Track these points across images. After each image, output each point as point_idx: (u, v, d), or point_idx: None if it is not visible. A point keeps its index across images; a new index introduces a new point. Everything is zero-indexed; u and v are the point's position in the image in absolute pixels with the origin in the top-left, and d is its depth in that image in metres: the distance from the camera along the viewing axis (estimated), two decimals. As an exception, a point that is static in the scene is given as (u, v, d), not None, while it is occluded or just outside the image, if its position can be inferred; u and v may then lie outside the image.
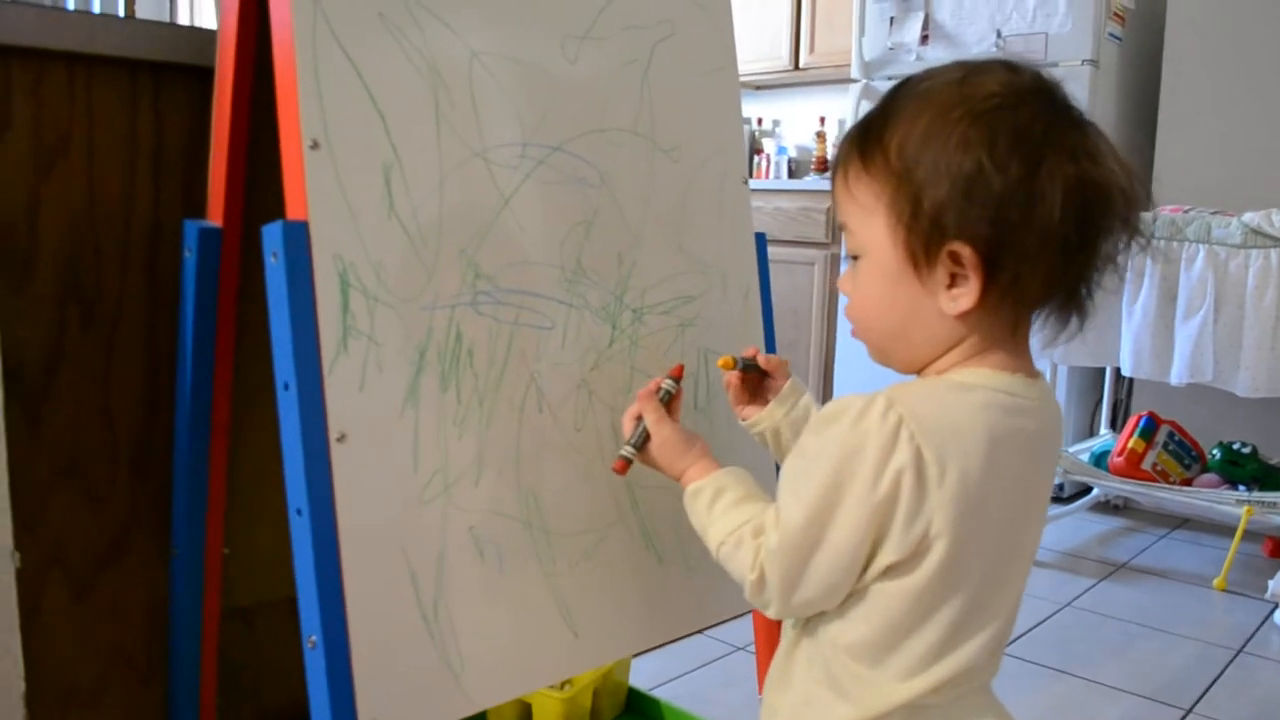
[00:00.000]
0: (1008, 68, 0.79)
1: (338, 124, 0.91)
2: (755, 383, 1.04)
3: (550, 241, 1.05)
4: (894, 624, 0.79)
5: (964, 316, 0.77)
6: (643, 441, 0.98)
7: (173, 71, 1.17)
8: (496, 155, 1.02)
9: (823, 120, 4.57)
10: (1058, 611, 2.46)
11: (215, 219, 1.08)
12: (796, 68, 4.39)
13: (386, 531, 0.92)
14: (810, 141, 4.71)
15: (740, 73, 3.85)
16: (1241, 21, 2.97)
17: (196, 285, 1.08)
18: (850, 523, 0.76)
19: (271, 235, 0.88)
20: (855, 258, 0.83)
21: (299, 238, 0.88)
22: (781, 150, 4.76)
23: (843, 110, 4.28)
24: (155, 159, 1.18)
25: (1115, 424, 3.25)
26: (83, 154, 1.13)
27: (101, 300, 1.15)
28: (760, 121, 4.96)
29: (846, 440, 0.75)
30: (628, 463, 0.98)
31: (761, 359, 1.04)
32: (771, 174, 4.72)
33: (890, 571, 0.77)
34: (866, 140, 0.80)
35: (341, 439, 0.89)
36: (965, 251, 0.74)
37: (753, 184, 4.25)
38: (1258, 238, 2.37)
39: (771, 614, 0.83)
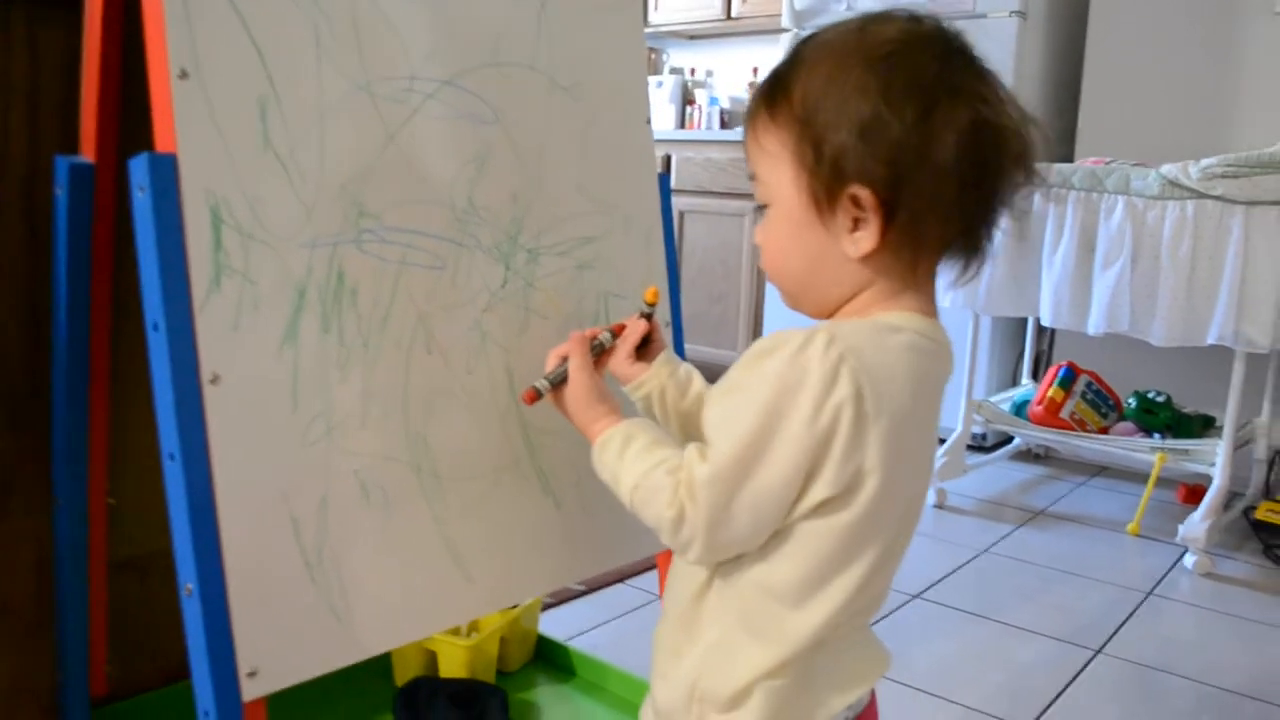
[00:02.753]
0: (909, 17, 0.80)
1: (209, 53, 0.87)
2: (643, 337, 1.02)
3: (440, 179, 1.02)
4: (822, 563, 0.79)
5: (868, 259, 0.78)
6: (559, 382, 0.95)
7: (48, 6, 1.12)
8: (382, 88, 0.98)
9: (755, 71, 4.55)
10: (976, 557, 2.50)
11: (88, 154, 1.04)
12: (729, 17, 4.36)
13: (265, 476, 0.89)
14: (743, 92, 4.69)
15: (673, 22, 3.81)
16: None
17: (68, 223, 1.03)
18: (785, 456, 0.75)
19: (138, 168, 0.84)
20: (764, 207, 0.84)
21: (166, 171, 0.84)
22: (714, 101, 4.73)
23: (775, 61, 4.25)
24: (30, 98, 1.12)
25: (1036, 374, 3.30)
26: (-50, 92, 1.07)
27: (-25, 243, 1.11)
28: (693, 72, 4.92)
29: (785, 372, 0.75)
30: (538, 395, 0.95)
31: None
32: (703, 124, 4.69)
33: (821, 508, 0.77)
34: (773, 91, 0.82)
35: (214, 380, 0.86)
36: (864, 194, 0.76)
37: (684, 134, 4.23)
38: (1174, 189, 2.40)
39: (692, 556, 0.81)
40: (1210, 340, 2.39)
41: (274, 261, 0.90)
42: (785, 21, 3.50)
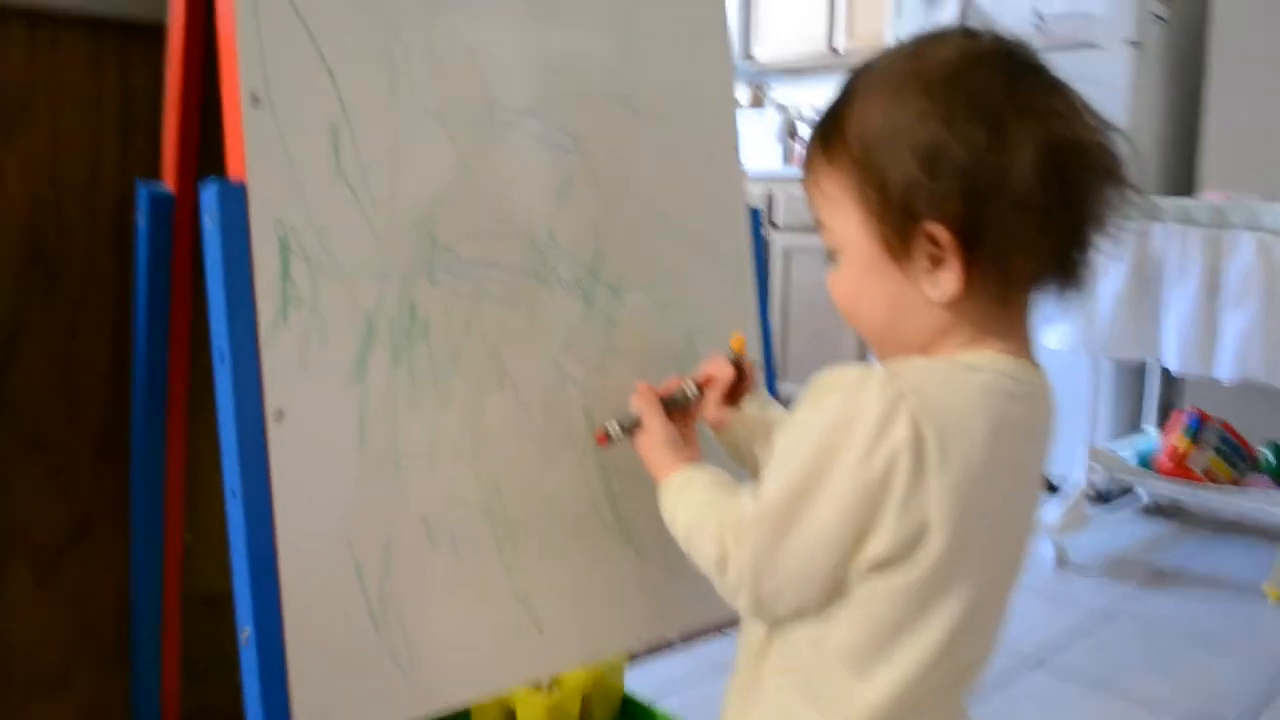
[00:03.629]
0: (964, 33, 0.74)
1: (280, 77, 0.85)
2: (732, 383, 0.97)
3: (518, 211, 0.98)
4: (884, 627, 0.72)
5: (952, 302, 0.72)
6: (632, 426, 0.93)
7: (140, 30, 1.12)
8: (459, 117, 0.95)
9: (864, 107, 4.45)
10: (1098, 622, 2.34)
11: (169, 182, 1.03)
12: (833, 51, 4.28)
13: (329, 517, 0.86)
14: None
15: (778, 58, 3.77)
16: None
17: (149, 253, 1.02)
18: (835, 501, 0.69)
19: (208, 197, 0.82)
20: (834, 254, 0.78)
21: (236, 200, 0.82)
22: (821, 137, 4.65)
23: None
24: (122, 121, 1.13)
25: (1160, 420, 3.11)
26: (46, 116, 1.08)
27: (65, 268, 1.11)
28: (798, 108, 4.85)
29: (840, 411, 0.69)
30: (608, 436, 0.94)
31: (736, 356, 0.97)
32: (811, 161, 4.61)
33: (881, 567, 0.70)
34: (827, 130, 0.76)
35: (279, 416, 0.83)
36: (940, 232, 0.69)
37: (789, 171, 4.16)
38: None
39: (741, 604, 0.76)
40: (1354, 388, 2.21)
41: (343, 293, 0.87)
42: (893, 55, 3.41)
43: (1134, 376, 3.22)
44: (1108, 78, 2.62)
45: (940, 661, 0.72)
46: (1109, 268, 2.40)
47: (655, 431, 0.91)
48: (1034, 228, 0.69)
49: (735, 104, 1.18)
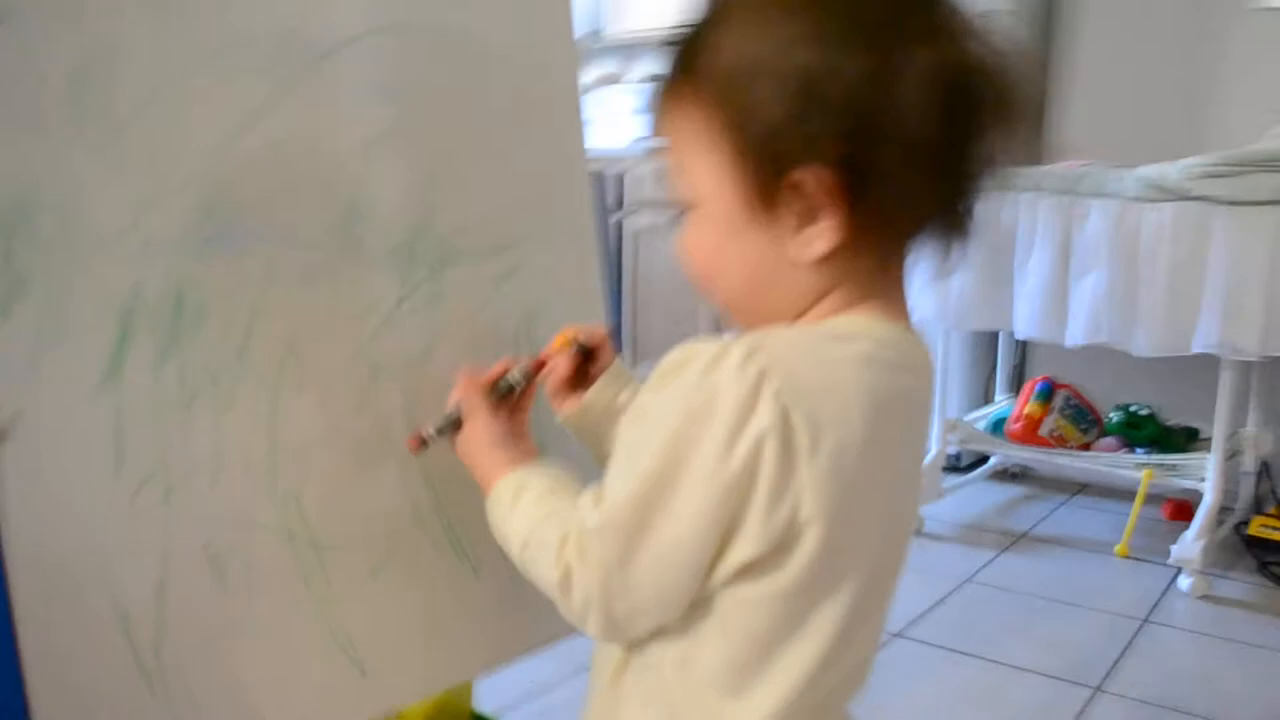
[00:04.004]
0: None
1: None
2: (578, 367, 0.85)
3: (317, 171, 0.82)
4: (760, 639, 0.62)
5: (826, 261, 0.62)
6: (452, 427, 0.79)
7: None
8: (244, 55, 0.77)
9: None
10: (958, 588, 2.33)
11: None
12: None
13: (80, 556, 0.69)
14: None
15: (635, 31, 3.61)
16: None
17: None
18: (693, 501, 0.59)
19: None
20: (686, 209, 0.66)
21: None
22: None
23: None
24: None
25: (1013, 388, 3.15)
26: None
27: None
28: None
29: (693, 395, 0.59)
30: (422, 443, 0.80)
31: (587, 330, 0.85)
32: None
33: (749, 571, 0.60)
34: (680, 61, 0.65)
35: (3, 435, 0.65)
36: (812, 179, 0.59)
37: (647, 142, 4.03)
38: (1154, 191, 2.25)
39: (591, 630, 0.64)
40: (1196, 349, 2.24)
41: (89, 276, 0.70)
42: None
43: (986, 347, 3.25)
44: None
45: (824, 671, 0.62)
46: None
47: (478, 430, 0.78)
48: (924, 170, 0.60)
49: (577, 56, 1.03)
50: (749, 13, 0.61)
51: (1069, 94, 2.95)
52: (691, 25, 0.64)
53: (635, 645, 0.66)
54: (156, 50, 0.73)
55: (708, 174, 0.63)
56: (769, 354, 0.58)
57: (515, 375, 0.81)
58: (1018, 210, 2.42)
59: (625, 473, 0.61)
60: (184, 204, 0.74)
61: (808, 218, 0.60)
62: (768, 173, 0.60)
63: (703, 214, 0.65)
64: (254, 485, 0.77)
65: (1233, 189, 2.16)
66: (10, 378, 0.66)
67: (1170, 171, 2.23)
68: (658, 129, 0.67)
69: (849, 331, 0.63)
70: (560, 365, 0.83)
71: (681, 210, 0.67)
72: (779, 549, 0.59)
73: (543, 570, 0.65)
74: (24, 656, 0.65)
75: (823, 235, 0.60)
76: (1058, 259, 2.40)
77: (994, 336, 3.21)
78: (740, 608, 0.61)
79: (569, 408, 0.84)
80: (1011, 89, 0.61)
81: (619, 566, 0.61)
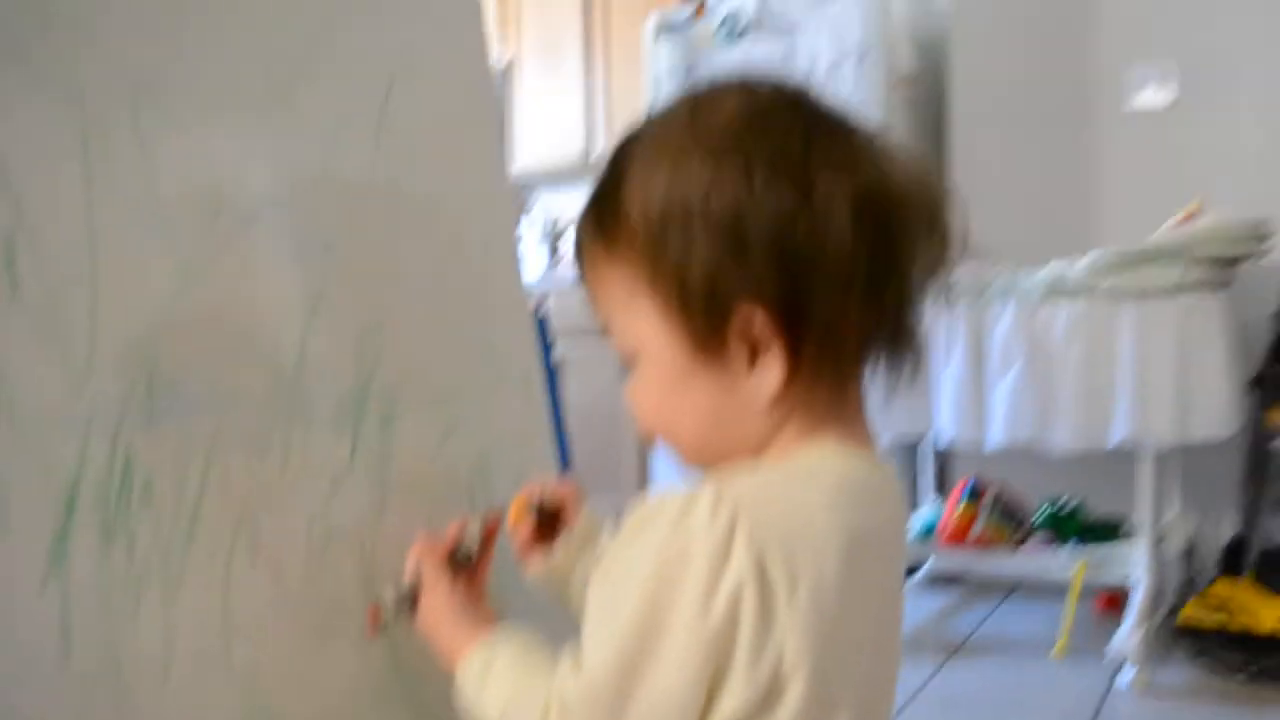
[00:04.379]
0: (741, 86, 0.64)
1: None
2: (544, 522, 0.82)
3: (259, 332, 0.80)
4: None
5: (779, 395, 0.61)
6: (409, 601, 0.75)
7: None
8: (177, 218, 0.76)
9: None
10: (907, 704, 2.29)
11: None
12: (589, 162, 4.27)
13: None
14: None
15: (536, 166, 3.66)
16: (1022, 76, 3.03)
17: None
18: (676, 662, 0.56)
19: None
20: (629, 361, 0.66)
21: None
22: (579, 242, 4.62)
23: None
24: None
25: (940, 490, 3.17)
26: None
27: None
28: (558, 220, 4.82)
29: (665, 549, 0.57)
30: (380, 622, 0.76)
31: (550, 489, 0.82)
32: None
33: None
34: (602, 216, 0.65)
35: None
36: (757, 315, 0.60)
37: (561, 276, 4.06)
38: (1059, 290, 2.33)
39: None
40: (1113, 442, 2.30)
41: (28, 453, 0.65)
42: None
43: (908, 452, 3.28)
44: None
45: None
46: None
47: (439, 603, 0.74)
48: (860, 293, 0.60)
49: (511, 197, 1.04)
50: (668, 161, 0.61)
51: (970, 199, 3.06)
52: (607, 177, 0.65)
53: None
54: (86, 213, 0.71)
55: (647, 326, 0.63)
56: (737, 500, 0.57)
57: (471, 544, 0.78)
58: (930, 316, 2.47)
59: (602, 635, 0.59)
60: (125, 374, 0.71)
61: (753, 356, 0.60)
62: (712, 315, 0.60)
63: (647, 366, 0.64)
64: (209, 676, 0.72)
65: (1134, 281, 2.25)
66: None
67: (1071, 270, 2.32)
68: (589, 286, 0.67)
69: (814, 468, 0.62)
70: (520, 533, 0.80)
71: (625, 363, 0.66)
72: (766, 698, 0.57)
73: None
74: None
75: (771, 370, 0.60)
76: (972, 362, 2.44)
77: (916, 445, 3.24)
78: None
79: (535, 568, 0.81)
80: (934, 205, 0.63)
81: None
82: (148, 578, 0.70)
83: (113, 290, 0.71)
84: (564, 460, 1.02)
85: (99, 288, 0.70)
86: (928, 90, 3.21)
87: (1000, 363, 2.39)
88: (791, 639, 0.56)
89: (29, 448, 0.65)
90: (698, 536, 0.56)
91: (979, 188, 3.01)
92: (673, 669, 0.56)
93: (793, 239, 0.58)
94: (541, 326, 1.02)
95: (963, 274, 2.24)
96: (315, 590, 0.80)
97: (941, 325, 2.47)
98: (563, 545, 0.79)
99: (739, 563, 0.55)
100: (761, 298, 0.59)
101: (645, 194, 0.61)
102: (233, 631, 0.74)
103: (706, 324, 0.60)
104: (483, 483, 0.94)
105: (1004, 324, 2.39)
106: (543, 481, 0.82)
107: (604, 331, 0.67)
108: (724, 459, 0.64)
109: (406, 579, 0.76)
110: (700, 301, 0.60)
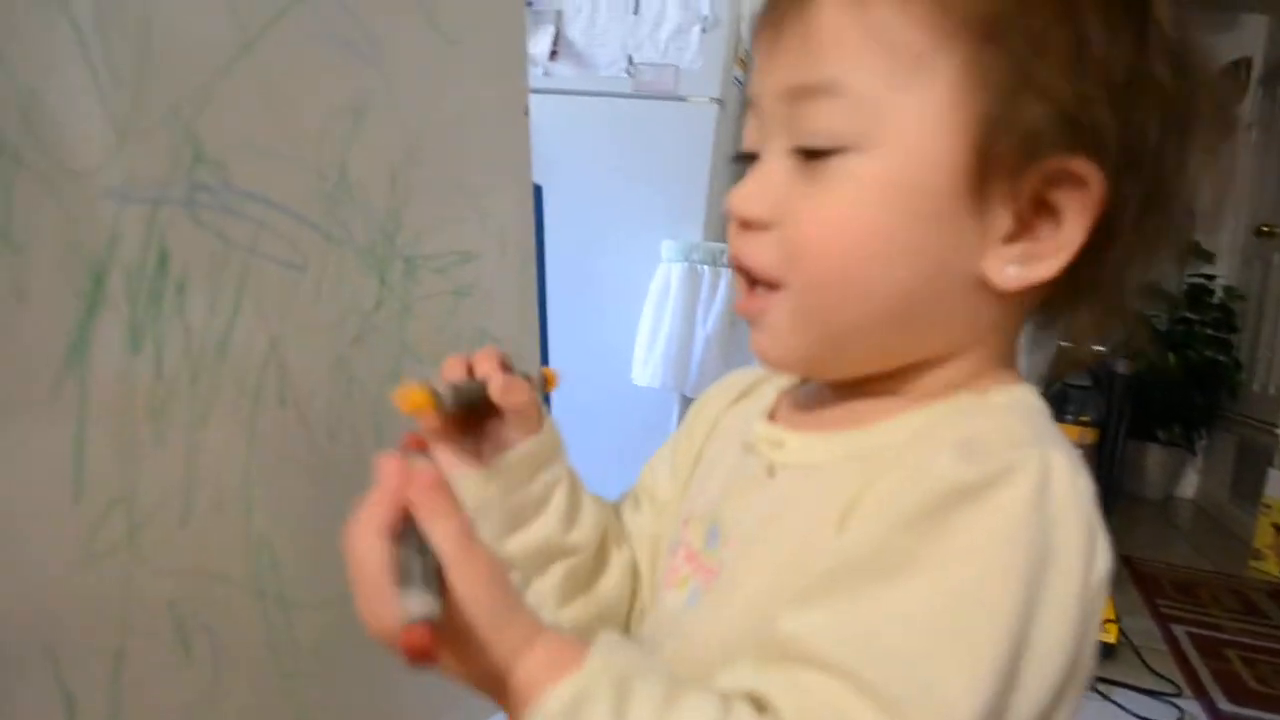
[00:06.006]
0: None
1: None
2: (471, 415, 0.55)
3: (305, 129, 0.65)
4: None
5: (1014, 296, 0.45)
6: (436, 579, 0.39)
7: None
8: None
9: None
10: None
11: None
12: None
13: (20, 615, 0.47)
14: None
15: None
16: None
17: None
18: (1046, 673, 0.40)
19: None
20: (814, 152, 0.44)
21: None
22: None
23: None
24: None
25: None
26: None
27: None
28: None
29: (1032, 537, 0.39)
30: (432, 627, 0.37)
31: (484, 367, 0.55)
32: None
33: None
34: None
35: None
36: (1094, 178, 0.42)
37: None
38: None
39: None
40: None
41: (58, 215, 0.49)
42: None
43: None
44: (694, 132, 2.69)
45: None
46: (698, 310, 2.43)
47: (475, 575, 0.40)
48: (1162, 184, 0.44)
49: (526, 51, 0.92)
50: None
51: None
52: None
53: None
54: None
55: (927, 113, 0.42)
56: (1056, 454, 0.41)
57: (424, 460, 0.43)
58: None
59: (953, 671, 0.38)
60: (169, 138, 0.55)
61: (1029, 225, 0.44)
62: (1033, 145, 0.42)
63: (880, 167, 0.43)
64: (228, 525, 0.57)
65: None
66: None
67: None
68: (833, 13, 0.44)
69: (1043, 408, 0.47)
70: (430, 426, 0.53)
71: (805, 152, 0.45)
72: (1082, 672, 0.42)
73: None
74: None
75: (1056, 252, 0.43)
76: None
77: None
78: None
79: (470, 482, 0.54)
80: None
81: None
82: (175, 397, 0.54)
83: (164, 36, 0.55)
84: (544, 349, 0.92)
85: (151, 29, 0.54)
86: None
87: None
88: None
89: (61, 206, 0.49)
90: (1066, 517, 0.40)
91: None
92: (1040, 685, 0.39)
93: (1130, 95, 0.43)
94: (539, 196, 0.91)
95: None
96: (334, 446, 0.66)
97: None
98: (537, 441, 0.54)
99: (1101, 532, 0.41)
100: (1102, 158, 0.42)
101: None
102: (252, 477, 0.59)
103: (1018, 153, 0.42)
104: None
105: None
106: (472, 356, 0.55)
107: (793, 95, 0.45)
108: (887, 356, 0.47)
109: (387, 544, 0.40)
110: (1032, 120, 0.42)
